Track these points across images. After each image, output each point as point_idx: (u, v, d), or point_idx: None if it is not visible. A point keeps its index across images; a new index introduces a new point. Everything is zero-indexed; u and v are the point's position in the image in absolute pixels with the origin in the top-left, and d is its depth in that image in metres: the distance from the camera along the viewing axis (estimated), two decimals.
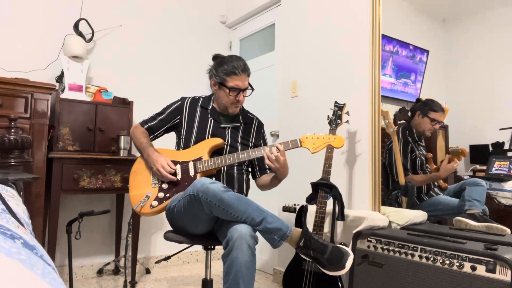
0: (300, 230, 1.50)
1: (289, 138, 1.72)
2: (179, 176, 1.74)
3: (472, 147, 2.06)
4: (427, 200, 2.12)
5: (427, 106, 2.19)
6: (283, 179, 1.79)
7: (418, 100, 2.28)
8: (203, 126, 1.86)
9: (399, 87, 2.31)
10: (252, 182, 1.95)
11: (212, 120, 1.87)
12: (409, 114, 2.28)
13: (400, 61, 2.30)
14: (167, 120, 1.91)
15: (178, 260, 3.12)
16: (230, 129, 1.88)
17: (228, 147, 1.84)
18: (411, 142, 2.20)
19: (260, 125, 2.01)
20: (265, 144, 1.99)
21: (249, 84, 1.83)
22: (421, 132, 2.19)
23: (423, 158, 2.20)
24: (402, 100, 2.33)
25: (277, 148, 1.65)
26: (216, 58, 1.87)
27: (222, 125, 1.87)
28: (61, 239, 2.49)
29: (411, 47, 2.31)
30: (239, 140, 1.88)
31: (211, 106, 1.90)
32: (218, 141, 1.80)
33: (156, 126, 1.90)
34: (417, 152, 2.19)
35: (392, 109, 2.28)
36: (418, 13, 2.38)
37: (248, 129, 1.94)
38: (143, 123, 1.92)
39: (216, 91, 1.86)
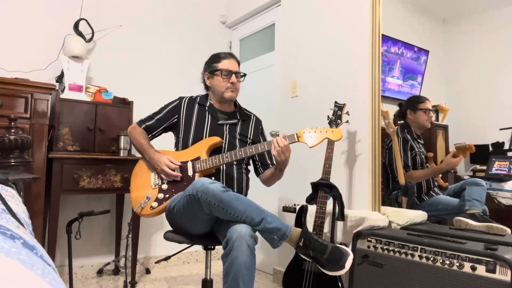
0: (299, 230, 1.50)
1: None
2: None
3: None
4: (427, 200, 2.12)
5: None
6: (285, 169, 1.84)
7: (400, 104, 2.32)
8: (201, 123, 1.87)
9: (406, 88, 2.32)
10: (251, 182, 1.95)
11: (210, 117, 1.88)
12: (402, 116, 2.29)
13: (406, 63, 2.31)
14: (165, 120, 1.91)
15: (178, 260, 3.12)
16: (228, 126, 1.89)
17: (227, 144, 1.84)
18: (410, 139, 2.20)
19: (258, 121, 2.01)
20: (264, 139, 1.99)
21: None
22: (421, 126, 2.21)
23: (423, 156, 2.20)
24: (403, 100, 2.33)
25: (282, 139, 1.66)
26: None
27: (220, 121, 1.88)
28: (61, 239, 2.49)
29: (415, 49, 2.32)
30: (237, 136, 1.89)
31: (208, 103, 1.92)
32: (216, 139, 1.81)
33: (154, 126, 1.91)
34: (417, 150, 2.19)
35: (392, 109, 2.29)
36: (418, 13, 2.38)
37: (246, 125, 1.95)
38: (140, 122, 1.92)
39: (210, 82, 1.90)
